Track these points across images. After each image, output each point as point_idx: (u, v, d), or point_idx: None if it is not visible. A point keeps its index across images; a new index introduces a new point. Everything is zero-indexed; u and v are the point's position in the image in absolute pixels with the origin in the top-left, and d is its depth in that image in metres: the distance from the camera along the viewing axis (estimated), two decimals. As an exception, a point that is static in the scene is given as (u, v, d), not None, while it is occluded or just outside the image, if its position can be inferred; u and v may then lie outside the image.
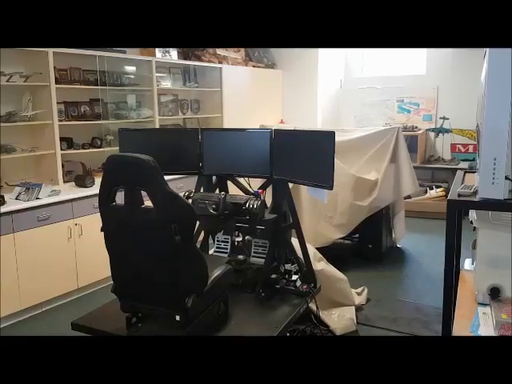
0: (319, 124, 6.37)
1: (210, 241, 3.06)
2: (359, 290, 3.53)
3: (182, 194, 2.66)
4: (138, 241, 2.04)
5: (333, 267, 3.29)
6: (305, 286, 2.71)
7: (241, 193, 2.95)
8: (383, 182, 4.12)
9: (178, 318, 2.09)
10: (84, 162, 3.92)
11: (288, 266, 2.82)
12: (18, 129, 3.54)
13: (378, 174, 4.15)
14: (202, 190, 2.96)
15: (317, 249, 3.38)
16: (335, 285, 3.18)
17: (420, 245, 4.82)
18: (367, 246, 4.35)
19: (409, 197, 5.34)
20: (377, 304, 3.50)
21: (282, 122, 6.44)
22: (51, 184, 3.59)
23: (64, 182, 3.74)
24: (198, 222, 2.89)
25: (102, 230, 2.12)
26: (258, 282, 2.70)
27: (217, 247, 3.04)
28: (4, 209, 3.03)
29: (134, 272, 2.14)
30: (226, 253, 2.99)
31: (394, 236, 4.64)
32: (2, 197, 3.07)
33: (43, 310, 3.35)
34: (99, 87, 4.01)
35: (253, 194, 2.70)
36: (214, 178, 2.98)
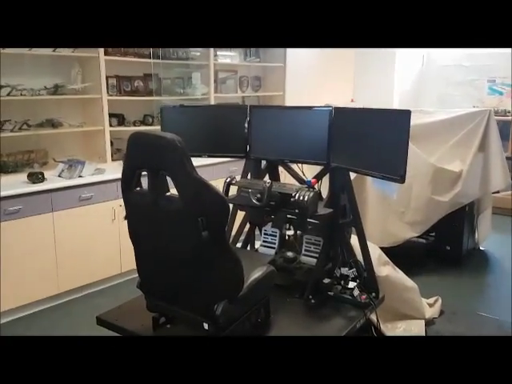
0: (395, 104, 5.77)
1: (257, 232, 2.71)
2: (431, 300, 3.01)
3: (228, 180, 2.33)
4: (162, 234, 1.76)
5: (401, 273, 2.80)
6: (364, 296, 2.29)
7: (294, 181, 2.57)
8: (469, 174, 3.55)
9: (206, 326, 1.78)
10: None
11: (345, 271, 2.40)
12: (65, 102, 3.38)
13: (463, 164, 3.57)
14: (249, 177, 2.61)
15: (383, 248, 2.91)
16: (402, 294, 2.71)
17: (507, 248, 4.16)
18: (444, 247, 3.83)
19: (497, 192, 4.62)
20: (451, 318, 2.98)
21: (352, 101, 5.90)
22: (99, 162, 3.42)
23: (112, 160, 3.55)
24: (240, 213, 2.57)
25: (125, 218, 1.85)
26: (308, 286, 2.32)
27: (264, 241, 2.69)
28: (43, 186, 2.88)
29: (158, 269, 1.86)
30: (273, 248, 2.64)
31: (476, 236, 4.05)
32: (42, 174, 2.92)
33: (83, 294, 3.20)
34: (153, 60, 3.75)
35: (306, 184, 2.30)
36: (264, 162, 2.62)
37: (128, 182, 1.75)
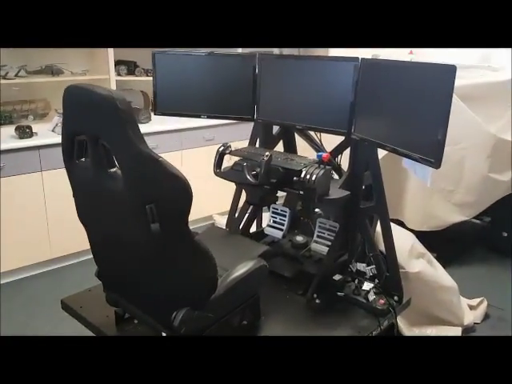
0: (460, 60, 4.93)
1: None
2: (475, 301, 2.50)
3: (221, 149, 1.89)
4: (109, 219, 1.38)
5: (439, 268, 2.31)
6: (382, 301, 1.84)
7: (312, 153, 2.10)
8: (539, 147, 2.86)
9: (164, 334, 1.44)
10: (148, 92, 3.31)
11: (362, 267, 1.95)
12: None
13: (533, 135, 2.88)
14: (258, 145, 2.17)
15: (424, 233, 2.42)
16: (437, 295, 2.23)
17: None
18: (500, 233, 3.22)
19: None
20: (496, 325, 2.46)
21: (411, 53, 5.12)
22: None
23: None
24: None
25: (73, 195, 1.50)
26: (313, 281, 1.90)
27: (272, 221, 2.27)
28: (30, 142, 2.56)
29: (111, 260, 1.51)
30: (281, 230, 2.22)
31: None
32: (30, 128, 2.60)
33: (79, 260, 2.95)
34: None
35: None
36: (276, 128, 2.16)
37: (67, 151, 1.37)
